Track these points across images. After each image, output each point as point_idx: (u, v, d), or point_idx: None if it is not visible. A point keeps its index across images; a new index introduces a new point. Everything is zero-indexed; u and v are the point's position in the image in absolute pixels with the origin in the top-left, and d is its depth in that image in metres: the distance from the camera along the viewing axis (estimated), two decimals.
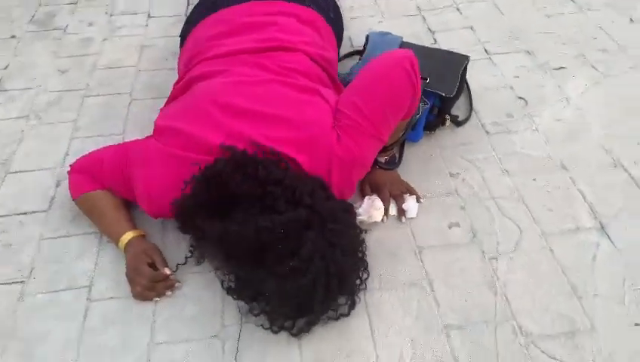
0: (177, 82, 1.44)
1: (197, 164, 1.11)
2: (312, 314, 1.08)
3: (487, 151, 1.52)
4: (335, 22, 1.65)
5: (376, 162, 1.34)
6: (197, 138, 1.17)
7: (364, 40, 1.72)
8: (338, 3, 1.80)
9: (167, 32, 2.04)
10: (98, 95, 1.76)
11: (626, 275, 1.21)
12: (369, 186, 1.38)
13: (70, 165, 1.34)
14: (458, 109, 1.62)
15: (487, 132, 1.58)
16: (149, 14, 2.15)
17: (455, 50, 1.69)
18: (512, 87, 1.73)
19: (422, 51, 1.51)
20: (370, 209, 1.32)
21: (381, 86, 1.20)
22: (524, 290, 1.19)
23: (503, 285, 1.20)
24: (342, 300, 1.11)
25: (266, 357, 1.10)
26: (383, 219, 1.33)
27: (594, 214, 1.34)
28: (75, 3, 2.23)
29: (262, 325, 1.11)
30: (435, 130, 1.55)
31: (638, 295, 1.17)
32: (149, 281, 1.18)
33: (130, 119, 1.67)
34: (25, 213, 1.39)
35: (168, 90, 1.54)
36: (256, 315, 1.10)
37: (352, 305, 1.13)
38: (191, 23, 1.62)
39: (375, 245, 1.26)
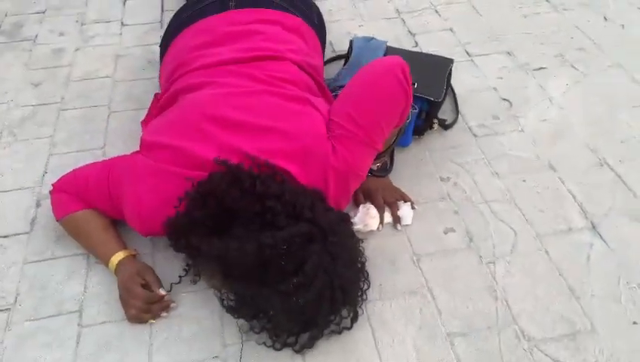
0: (161, 95, 1.39)
1: (190, 179, 1.07)
2: (315, 328, 1.06)
3: (477, 154, 1.52)
4: (319, 27, 1.63)
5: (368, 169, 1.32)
6: (188, 152, 1.13)
7: (345, 44, 1.71)
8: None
9: (142, 40, 1.98)
10: (75, 108, 1.70)
11: (620, 274, 1.23)
12: (362, 194, 1.37)
13: (52, 184, 1.28)
14: (444, 113, 1.62)
15: (475, 135, 1.58)
16: (122, 22, 2.08)
17: (437, 53, 1.70)
18: (495, 89, 1.74)
19: (407, 56, 1.50)
20: (366, 217, 1.31)
21: (374, 95, 1.18)
22: (524, 294, 1.19)
23: (502, 289, 1.20)
24: (344, 313, 1.09)
25: None
26: (378, 228, 1.32)
27: (584, 214, 1.35)
28: (43, 12, 2.15)
29: (264, 343, 1.08)
30: (423, 134, 1.55)
31: (633, 293, 1.19)
32: (144, 303, 1.14)
33: (110, 132, 1.61)
34: (6, 236, 1.33)
35: (148, 100, 1.50)
36: (257, 333, 1.08)
37: (355, 318, 1.11)
38: (170, 32, 1.57)
39: (373, 254, 1.24)
